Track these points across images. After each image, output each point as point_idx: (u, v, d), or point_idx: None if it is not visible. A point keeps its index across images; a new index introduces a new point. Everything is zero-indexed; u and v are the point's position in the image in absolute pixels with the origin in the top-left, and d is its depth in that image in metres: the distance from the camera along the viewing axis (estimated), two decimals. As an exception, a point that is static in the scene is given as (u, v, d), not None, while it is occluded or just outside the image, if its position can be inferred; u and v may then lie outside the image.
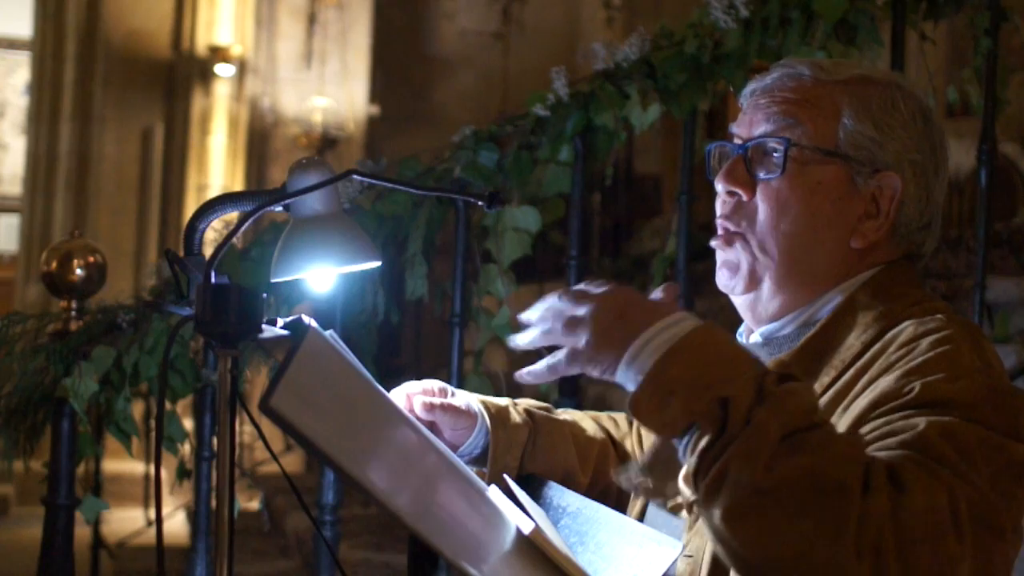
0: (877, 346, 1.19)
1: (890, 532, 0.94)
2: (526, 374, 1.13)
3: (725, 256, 1.32)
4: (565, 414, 1.59)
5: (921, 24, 2.36)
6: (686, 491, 1.05)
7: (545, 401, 1.60)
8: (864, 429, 1.08)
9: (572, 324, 1.08)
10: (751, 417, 0.98)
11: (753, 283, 1.30)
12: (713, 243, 1.34)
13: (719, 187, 1.32)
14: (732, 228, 1.30)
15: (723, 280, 1.33)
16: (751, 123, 1.31)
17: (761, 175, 1.28)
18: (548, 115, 2.42)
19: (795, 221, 1.26)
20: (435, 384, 1.44)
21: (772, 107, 1.29)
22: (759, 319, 1.32)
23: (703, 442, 0.99)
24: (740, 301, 1.34)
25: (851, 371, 1.19)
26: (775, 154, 1.27)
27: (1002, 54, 2.37)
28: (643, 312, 1.07)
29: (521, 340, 1.13)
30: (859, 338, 1.21)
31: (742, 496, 0.96)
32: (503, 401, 1.50)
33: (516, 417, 1.47)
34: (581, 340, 1.07)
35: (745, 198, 1.29)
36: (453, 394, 1.45)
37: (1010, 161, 4.83)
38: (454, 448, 1.42)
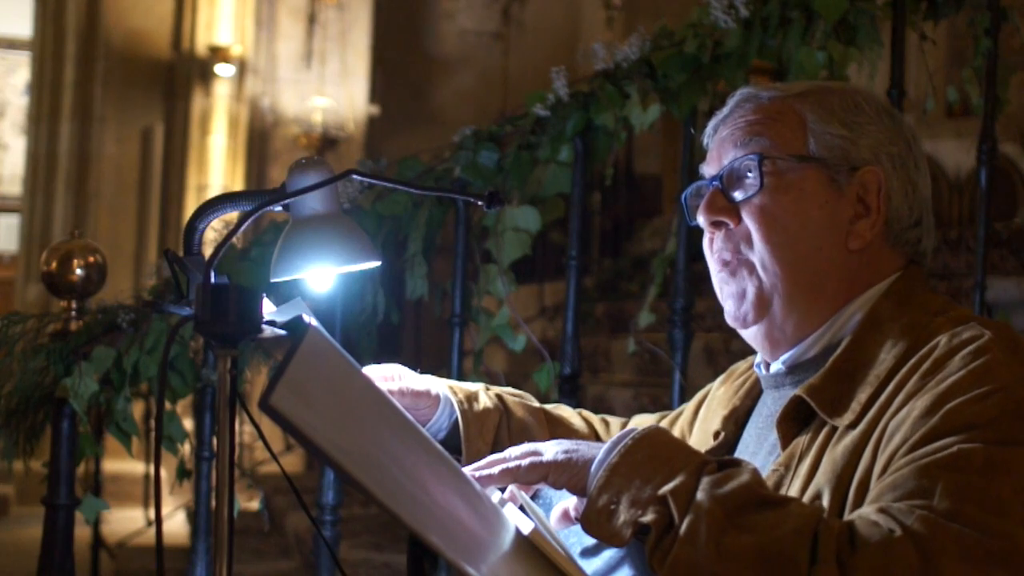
0: (913, 360, 1.15)
1: None
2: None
3: (730, 287, 1.29)
4: (558, 410, 1.59)
5: (921, 24, 2.36)
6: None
7: (545, 401, 1.60)
8: (888, 471, 1.07)
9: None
10: (692, 504, 1.01)
11: (762, 308, 1.26)
12: (716, 277, 1.32)
13: (702, 221, 1.31)
14: (730, 257, 1.29)
15: (732, 311, 1.29)
16: (719, 157, 1.31)
17: (741, 196, 1.27)
18: (548, 115, 2.42)
19: (787, 232, 1.24)
20: (391, 369, 1.44)
21: (736, 133, 1.29)
22: (777, 345, 1.29)
23: (653, 536, 1.03)
24: (753, 332, 1.30)
25: (890, 387, 1.15)
26: (750, 173, 1.26)
27: (1002, 54, 2.37)
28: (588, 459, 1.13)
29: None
30: (890, 352, 1.18)
31: None
32: (474, 386, 1.50)
33: (487, 401, 1.47)
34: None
35: (732, 225, 1.28)
36: (401, 377, 1.44)
37: (1010, 161, 4.82)
38: None
